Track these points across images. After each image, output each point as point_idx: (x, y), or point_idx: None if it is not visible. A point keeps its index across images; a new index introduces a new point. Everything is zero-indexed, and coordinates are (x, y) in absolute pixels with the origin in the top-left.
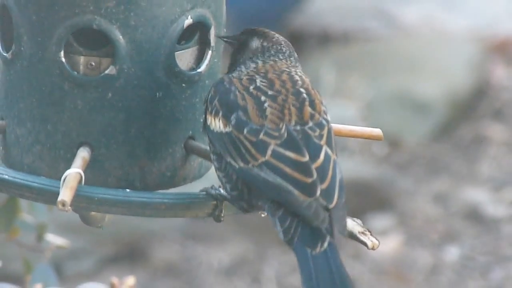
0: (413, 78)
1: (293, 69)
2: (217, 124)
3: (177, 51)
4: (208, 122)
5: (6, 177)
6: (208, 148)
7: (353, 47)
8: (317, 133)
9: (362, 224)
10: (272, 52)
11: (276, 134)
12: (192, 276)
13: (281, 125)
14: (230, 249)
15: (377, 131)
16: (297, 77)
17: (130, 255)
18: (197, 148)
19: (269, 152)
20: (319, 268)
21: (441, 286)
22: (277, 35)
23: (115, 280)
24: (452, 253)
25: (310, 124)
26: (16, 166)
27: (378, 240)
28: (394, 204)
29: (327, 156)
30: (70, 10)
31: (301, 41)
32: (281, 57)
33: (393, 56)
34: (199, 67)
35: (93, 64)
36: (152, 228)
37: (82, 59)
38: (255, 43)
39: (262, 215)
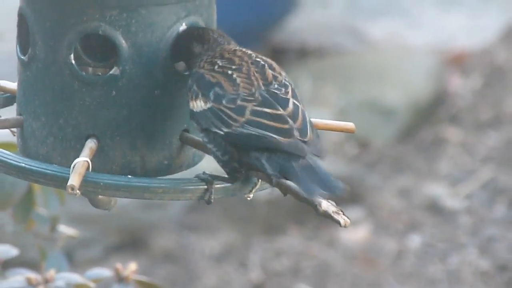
0: (380, 87)
1: (240, 47)
2: (198, 104)
3: None
4: (191, 106)
5: (23, 165)
6: (200, 140)
7: (327, 60)
8: (282, 91)
9: (335, 205)
10: (214, 46)
11: (251, 98)
12: (187, 262)
13: (253, 90)
14: (220, 238)
15: (350, 125)
16: (249, 51)
17: (132, 243)
18: (191, 140)
19: (247, 112)
20: (307, 172)
21: (405, 270)
22: (209, 30)
23: (119, 266)
24: (415, 240)
25: (275, 85)
26: (32, 156)
27: (349, 219)
28: (364, 198)
29: (295, 105)
30: (79, 17)
31: (282, 55)
32: (225, 44)
33: (362, 68)
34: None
35: (100, 74)
36: (152, 219)
37: (90, 69)
38: (196, 48)
39: (248, 199)
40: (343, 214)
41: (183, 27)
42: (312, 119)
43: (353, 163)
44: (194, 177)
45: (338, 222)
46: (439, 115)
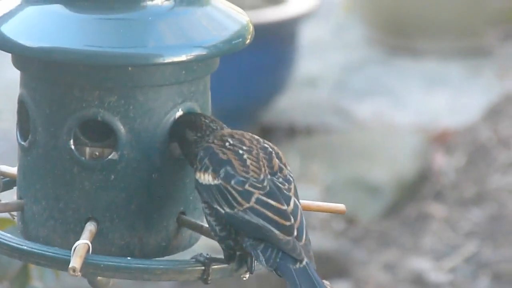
0: (366, 165)
1: (245, 132)
2: (206, 177)
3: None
4: (197, 176)
5: (25, 247)
6: (196, 222)
7: (315, 139)
8: (286, 187)
9: (330, 284)
10: (208, 132)
11: (260, 185)
12: None
13: (261, 176)
14: None
15: (341, 206)
16: (256, 137)
17: None
18: (188, 222)
19: (253, 199)
20: (303, 279)
21: None
22: (201, 116)
23: None
24: None
25: (279, 177)
26: (33, 238)
27: None
28: (350, 272)
29: (296, 204)
30: (78, 104)
31: (271, 134)
32: (218, 130)
33: (349, 146)
34: None
35: (97, 153)
36: None
37: (87, 149)
38: (190, 135)
39: (244, 279)
40: None
41: (179, 112)
42: (304, 201)
43: (340, 238)
44: (192, 259)
45: None
46: (423, 192)
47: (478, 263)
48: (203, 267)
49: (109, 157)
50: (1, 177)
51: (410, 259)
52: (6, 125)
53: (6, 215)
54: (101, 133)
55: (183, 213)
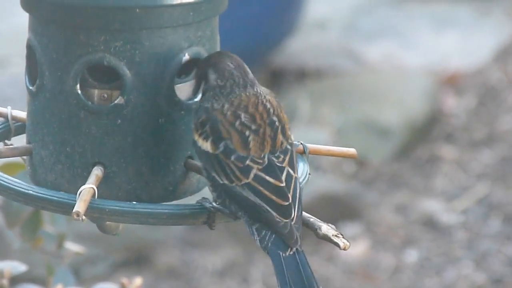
0: (376, 107)
1: (261, 97)
2: (206, 145)
3: (177, 84)
4: (196, 139)
5: (31, 192)
6: None
7: (325, 82)
8: (280, 159)
9: (335, 228)
10: (228, 89)
11: (260, 161)
12: (190, 278)
13: (262, 155)
14: (222, 254)
15: (352, 151)
16: (268, 105)
17: (137, 260)
18: (195, 166)
19: (251, 175)
20: (291, 269)
21: (402, 284)
22: (227, 64)
23: (125, 280)
24: (412, 255)
25: (278, 152)
26: (41, 183)
27: (349, 242)
28: (362, 214)
29: (288, 175)
30: (84, 49)
31: (281, 77)
32: (241, 89)
33: (359, 89)
34: (196, 97)
35: (106, 96)
36: (156, 237)
37: (96, 92)
38: (212, 77)
39: None
40: (343, 237)
41: (186, 57)
42: (315, 145)
43: (351, 181)
44: (197, 203)
45: (338, 245)
46: (434, 134)
47: (489, 205)
48: (208, 212)
49: (116, 101)
50: (13, 121)
51: (421, 201)
52: (17, 70)
53: (18, 159)
54: (110, 75)
55: (190, 157)
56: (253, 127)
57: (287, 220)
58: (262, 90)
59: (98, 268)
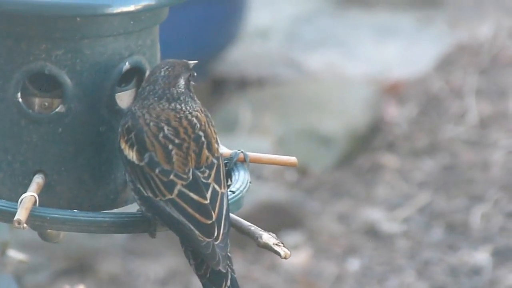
0: (318, 116)
1: (182, 113)
2: (131, 154)
3: (118, 92)
4: (122, 147)
5: None
6: None
7: (267, 91)
8: (206, 174)
9: (276, 237)
10: (145, 94)
11: (185, 176)
12: (132, 286)
13: (186, 170)
14: (164, 263)
15: (293, 159)
16: (194, 120)
17: (79, 268)
18: None
19: (175, 191)
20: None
21: None
22: (160, 69)
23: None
24: (354, 264)
25: (203, 167)
26: None
27: (289, 251)
28: (304, 223)
29: (214, 192)
30: (25, 58)
31: (222, 86)
32: (155, 99)
33: (300, 98)
34: None
35: (47, 104)
36: (98, 245)
37: (37, 100)
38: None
39: None
40: (284, 246)
41: (126, 66)
42: (256, 154)
43: (292, 189)
44: (138, 211)
45: (278, 254)
46: (376, 143)
47: (431, 213)
48: (149, 221)
49: (57, 110)
50: None
51: (363, 210)
52: None
53: None
54: (51, 84)
55: None
56: (177, 141)
57: (209, 240)
58: (188, 106)
59: (40, 276)
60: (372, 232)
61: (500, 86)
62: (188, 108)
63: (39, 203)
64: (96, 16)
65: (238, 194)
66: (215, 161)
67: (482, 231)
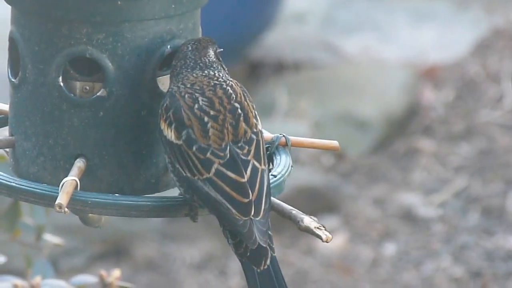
0: (354, 100)
1: (215, 80)
2: (169, 133)
3: (159, 76)
4: (162, 126)
5: (14, 184)
6: None
7: (303, 75)
8: (245, 150)
9: (317, 221)
10: (178, 70)
11: (221, 154)
12: (168, 270)
13: (223, 145)
14: (200, 247)
15: (334, 143)
16: (230, 90)
17: (115, 252)
18: None
19: (213, 170)
20: (264, 283)
21: (380, 277)
22: (187, 46)
23: (103, 273)
24: (390, 248)
25: (241, 142)
26: (24, 175)
27: (331, 234)
28: (340, 207)
29: (254, 169)
30: (66, 41)
31: (259, 70)
32: (188, 70)
33: (337, 82)
34: None
35: (88, 88)
36: (134, 229)
37: (78, 84)
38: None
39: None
40: (325, 230)
41: (168, 50)
42: (297, 138)
43: (329, 173)
44: (179, 195)
45: (320, 237)
46: (412, 127)
47: (467, 198)
48: (190, 205)
49: (98, 94)
50: None
51: (399, 194)
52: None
53: (0, 151)
54: (92, 68)
55: None
56: (212, 112)
57: (246, 218)
58: (221, 74)
59: (76, 260)
60: (408, 217)
61: None
62: (221, 75)
63: (80, 188)
64: (137, 0)
65: (280, 178)
66: (254, 136)
67: None
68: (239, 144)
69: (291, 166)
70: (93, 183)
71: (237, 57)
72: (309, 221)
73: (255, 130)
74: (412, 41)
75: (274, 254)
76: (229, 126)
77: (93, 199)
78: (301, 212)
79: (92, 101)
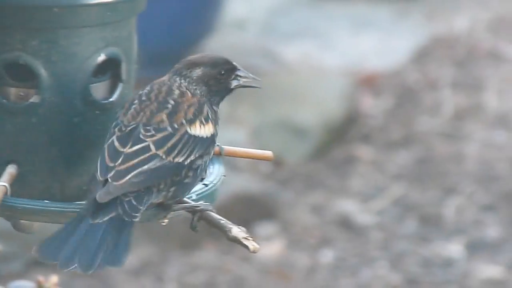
0: (294, 107)
1: (181, 86)
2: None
3: (93, 83)
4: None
5: None
6: None
7: None
8: (149, 134)
9: (245, 231)
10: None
11: (124, 129)
12: (105, 276)
13: (131, 123)
14: (137, 253)
15: (268, 153)
16: (176, 91)
17: None
18: None
19: (110, 140)
20: (88, 236)
21: (318, 284)
22: (199, 57)
23: (41, 278)
24: (327, 255)
25: (151, 127)
26: None
27: (258, 245)
28: (278, 214)
29: (143, 149)
30: (1, 47)
31: None
32: (170, 74)
33: (276, 89)
34: (112, 97)
35: (22, 94)
36: None
37: (13, 90)
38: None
39: (163, 224)
40: (253, 240)
41: (102, 57)
42: (231, 147)
43: (267, 180)
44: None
45: (247, 248)
46: (351, 134)
47: (405, 206)
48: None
49: (31, 100)
50: None
51: (337, 201)
52: None
53: None
54: (27, 74)
55: None
56: (143, 98)
57: (102, 179)
58: (187, 85)
59: (13, 265)
60: (346, 224)
61: (475, 79)
62: (186, 85)
63: (11, 194)
64: (74, 7)
65: (212, 187)
66: (169, 129)
67: (455, 224)
68: (147, 127)
69: (224, 176)
70: (25, 189)
71: (176, 63)
72: (237, 231)
73: (175, 126)
74: (352, 48)
75: (128, 221)
76: (147, 111)
77: (23, 205)
78: (229, 222)
79: (25, 107)
